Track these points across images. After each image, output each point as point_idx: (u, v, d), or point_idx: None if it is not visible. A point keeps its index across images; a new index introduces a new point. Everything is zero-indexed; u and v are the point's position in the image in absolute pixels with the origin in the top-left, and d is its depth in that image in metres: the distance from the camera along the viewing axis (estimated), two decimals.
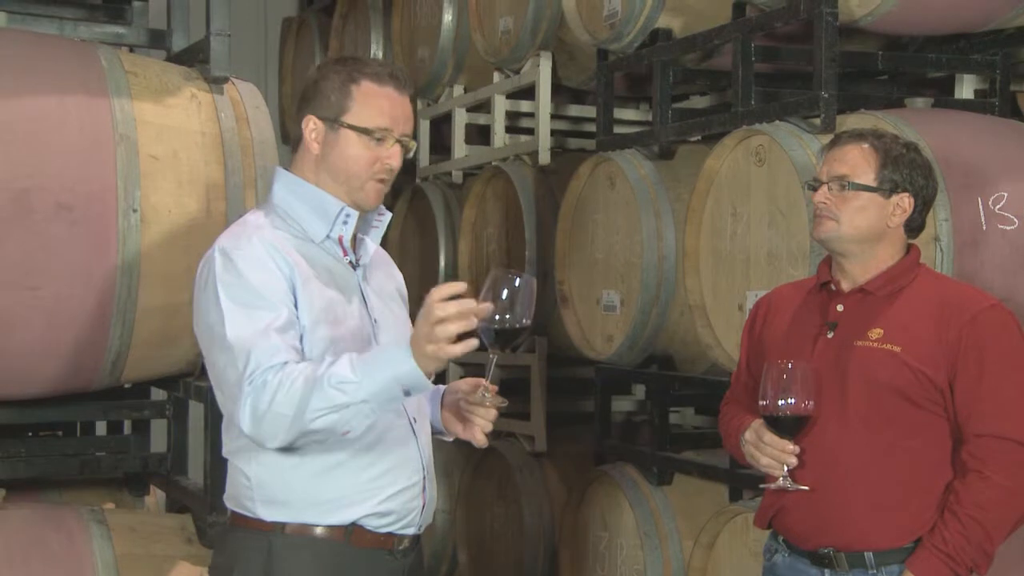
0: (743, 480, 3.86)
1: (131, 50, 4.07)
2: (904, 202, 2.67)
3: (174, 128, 3.45)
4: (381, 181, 2.46)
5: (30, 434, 4.12)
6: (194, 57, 3.75)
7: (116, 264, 3.32)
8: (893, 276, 2.67)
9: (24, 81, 3.33)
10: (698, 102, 5.11)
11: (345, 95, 2.43)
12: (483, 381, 2.46)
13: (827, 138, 3.54)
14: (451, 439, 2.63)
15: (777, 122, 3.67)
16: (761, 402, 2.59)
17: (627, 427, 5.39)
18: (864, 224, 2.65)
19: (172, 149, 3.42)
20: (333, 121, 2.43)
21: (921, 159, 2.71)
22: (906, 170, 2.66)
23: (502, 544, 5.11)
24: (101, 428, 4.51)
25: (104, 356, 3.43)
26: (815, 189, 2.70)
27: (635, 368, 4.42)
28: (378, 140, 2.43)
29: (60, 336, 3.34)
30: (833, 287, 2.73)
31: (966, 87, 4.27)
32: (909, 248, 2.73)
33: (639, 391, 5.48)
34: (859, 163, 2.66)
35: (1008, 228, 2.84)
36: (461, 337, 2.18)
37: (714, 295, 3.89)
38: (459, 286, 2.21)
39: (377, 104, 2.43)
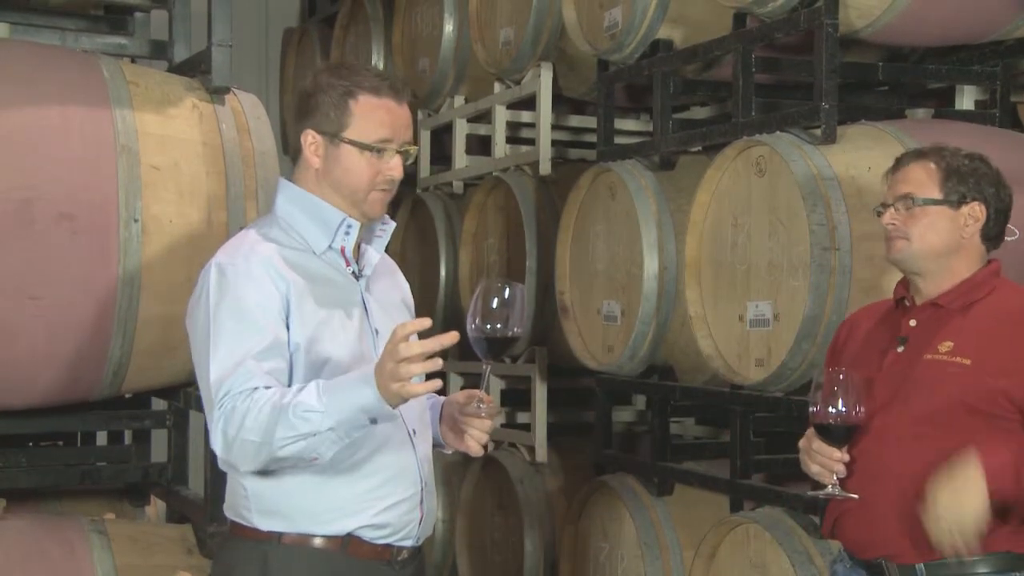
0: (744, 491, 3.86)
1: (133, 61, 4.08)
2: (976, 211, 2.64)
3: (175, 138, 3.46)
4: (383, 191, 2.48)
5: (31, 444, 4.12)
6: (195, 68, 3.76)
7: (117, 274, 3.32)
8: (968, 289, 2.64)
9: (26, 91, 3.34)
10: (699, 113, 5.12)
11: (344, 111, 2.43)
12: (478, 392, 2.46)
13: (828, 148, 3.57)
14: (450, 451, 2.63)
15: (778, 133, 3.68)
16: (811, 410, 2.56)
17: (628, 437, 5.38)
18: (936, 239, 2.63)
19: (173, 159, 3.43)
20: (333, 136, 2.43)
21: (988, 168, 2.67)
22: (972, 179, 2.63)
23: (502, 555, 5.11)
24: (102, 438, 4.52)
25: (105, 366, 3.43)
26: (881, 215, 2.67)
27: (636, 378, 4.42)
28: (379, 153, 2.44)
29: (61, 346, 3.34)
30: (907, 303, 2.71)
31: (966, 98, 4.27)
32: (989, 261, 2.69)
33: (640, 401, 5.47)
34: (922, 179, 2.63)
35: (1010, 239, 2.84)
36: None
37: (715, 306, 3.89)
38: (423, 322, 2.24)
39: (376, 117, 2.44)
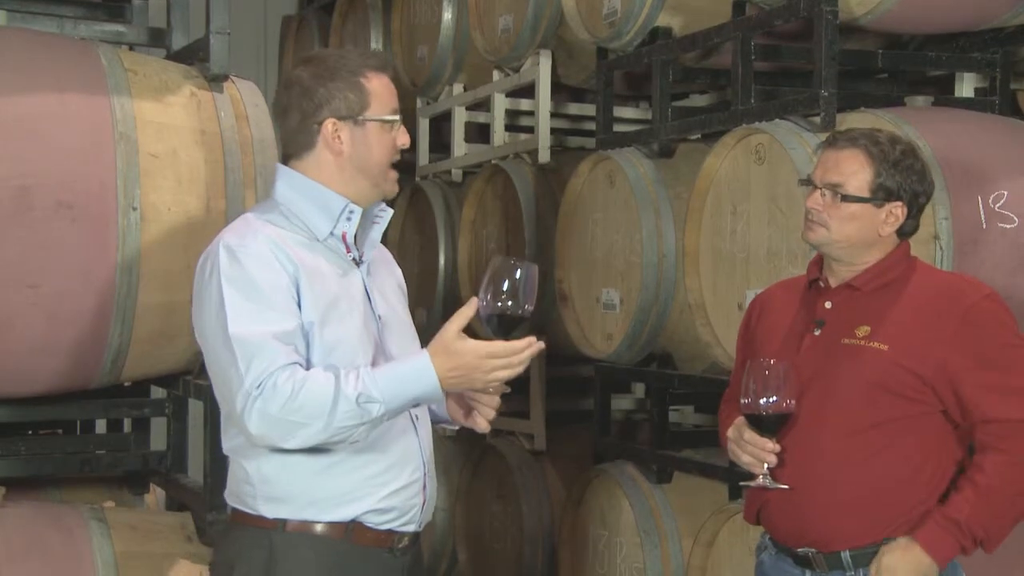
0: (743, 478, 3.86)
1: (131, 48, 4.07)
2: (897, 210, 2.65)
3: (174, 126, 3.45)
4: (393, 167, 2.53)
5: (30, 432, 4.12)
6: (194, 55, 3.75)
7: (116, 262, 3.31)
8: (881, 271, 2.66)
9: (24, 79, 3.33)
10: (698, 100, 5.11)
11: (361, 91, 2.46)
12: None
13: (827, 136, 3.56)
14: (456, 427, 2.65)
15: (777, 120, 3.67)
16: (743, 400, 2.58)
17: (626, 425, 5.39)
18: (854, 233, 2.64)
19: (172, 147, 3.42)
20: (356, 118, 2.46)
21: (918, 164, 2.68)
22: (900, 177, 2.63)
23: (501, 543, 5.11)
24: (101, 426, 4.52)
25: (104, 354, 3.43)
26: (807, 185, 2.69)
27: (634, 367, 4.42)
28: (393, 125, 2.50)
29: (60, 334, 3.34)
30: (822, 284, 2.73)
31: (966, 85, 4.26)
32: (899, 244, 2.70)
33: (639, 389, 5.48)
34: (854, 171, 2.63)
35: (1008, 227, 2.84)
36: None
37: (714, 293, 3.89)
38: (540, 345, 2.40)
39: (387, 92, 2.51)
